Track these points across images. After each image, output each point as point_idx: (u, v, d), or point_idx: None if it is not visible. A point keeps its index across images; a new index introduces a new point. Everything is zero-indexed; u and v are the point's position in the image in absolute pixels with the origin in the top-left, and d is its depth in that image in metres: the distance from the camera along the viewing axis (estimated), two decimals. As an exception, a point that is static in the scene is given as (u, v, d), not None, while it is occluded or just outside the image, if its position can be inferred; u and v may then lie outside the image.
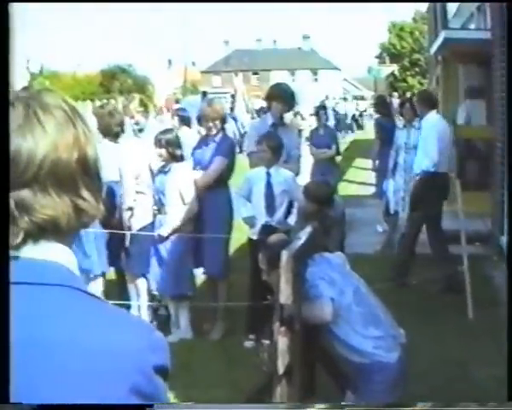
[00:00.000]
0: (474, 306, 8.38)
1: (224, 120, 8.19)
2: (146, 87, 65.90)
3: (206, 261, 7.90)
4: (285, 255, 4.59)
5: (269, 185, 7.50)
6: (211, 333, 7.94)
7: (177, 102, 24.66)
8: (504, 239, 10.46)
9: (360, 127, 46.03)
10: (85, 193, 1.46)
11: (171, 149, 7.57)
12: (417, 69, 78.25)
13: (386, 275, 9.09)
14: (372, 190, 14.27)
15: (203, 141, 8.10)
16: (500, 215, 10.78)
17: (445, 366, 6.91)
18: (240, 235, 8.46)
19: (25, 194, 1.38)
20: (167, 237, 7.62)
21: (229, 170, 7.94)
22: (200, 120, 8.62)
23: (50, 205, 1.40)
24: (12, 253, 1.39)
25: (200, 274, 8.43)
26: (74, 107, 1.49)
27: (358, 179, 13.78)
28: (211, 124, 7.89)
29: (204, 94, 26.95)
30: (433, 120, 9.97)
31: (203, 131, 8.53)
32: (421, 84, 67.91)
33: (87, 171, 1.47)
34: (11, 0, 1.51)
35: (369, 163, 13.21)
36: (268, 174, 7.51)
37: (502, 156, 10.78)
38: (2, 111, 1.40)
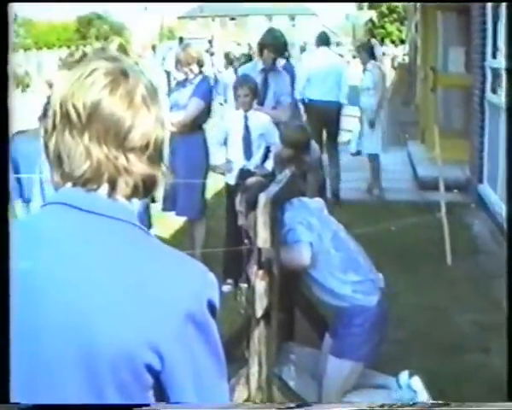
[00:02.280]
0: (452, 253, 8.38)
1: (201, 64, 8.06)
2: (123, 33, 65.37)
3: (181, 204, 7.82)
4: (263, 198, 4.52)
5: (246, 129, 7.44)
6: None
7: (154, 48, 24.40)
8: (484, 188, 10.46)
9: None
10: (165, 166, 1.73)
11: None
12: (395, 16, 77.84)
13: (366, 221, 9.05)
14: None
15: (181, 83, 8.00)
16: (478, 163, 10.76)
17: (424, 311, 6.91)
18: (216, 181, 8.38)
19: (136, 156, 1.64)
20: None
21: (205, 113, 7.84)
22: (176, 65, 8.48)
23: (151, 166, 1.67)
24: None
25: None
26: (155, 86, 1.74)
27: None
28: (186, 68, 7.81)
29: (181, 40, 26.70)
30: None
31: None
32: (399, 31, 67.61)
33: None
34: (11, 0, 1.56)
35: (349, 110, 13.11)
36: (245, 118, 7.45)
37: (480, 104, 10.74)
38: (2, 110, 1.64)
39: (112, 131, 1.60)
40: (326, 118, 11.16)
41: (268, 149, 7.57)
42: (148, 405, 1.56)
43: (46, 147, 1.65)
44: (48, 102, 1.74)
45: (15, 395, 1.51)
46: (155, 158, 1.67)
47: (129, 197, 1.66)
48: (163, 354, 1.52)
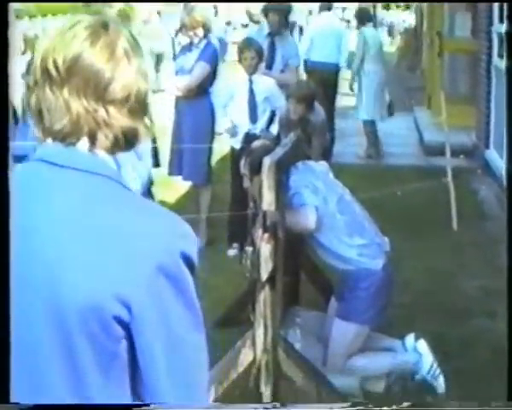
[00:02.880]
0: (458, 218, 8.36)
1: (206, 28, 8.00)
2: (128, -1, 64.87)
3: (187, 169, 7.79)
4: (267, 161, 4.48)
5: (251, 92, 7.40)
6: (194, 242, 7.88)
7: (159, 13, 24.26)
8: (491, 154, 10.42)
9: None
10: (149, 114, 1.73)
11: None
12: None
13: (372, 185, 9.01)
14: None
15: (187, 47, 7.94)
16: (485, 128, 10.70)
17: (430, 275, 6.90)
18: (222, 145, 8.35)
19: (117, 108, 1.63)
20: None
21: (211, 77, 7.79)
22: (181, 29, 8.44)
23: (133, 119, 1.66)
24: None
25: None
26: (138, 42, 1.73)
27: (342, 90, 13.61)
28: (191, 33, 7.75)
29: (186, 4, 26.46)
30: None
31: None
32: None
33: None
34: (11, 0, 1.58)
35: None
36: (250, 81, 7.41)
37: (486, 69, 10.66)
38: (2, 109, 1.58)
39: (91, 84, 1.60)
40: (324, 80, 11.12)
41: (273, 113, 7.53)
42: (148, 405, 1.56)
43: (28, 103, 1.66)
44: (31, 59, 1.72)
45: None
46: (137, 111, 1.66)
47: (109, 151, 1.65)
48: (131, 305, 1.51)
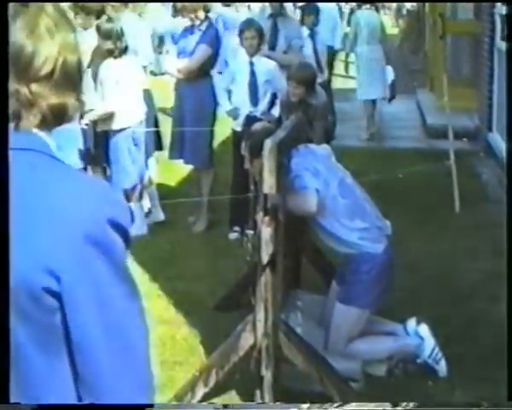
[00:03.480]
0: (460, 201, 8.33)
1: (207, 10, 7.96)
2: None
3: (189, 152, 7.76)
4: (269, 144, 4.45)
5: (252, 74, 7.37)
6: (195, 225, 7.87)
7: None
8: (493, 136, 10.37)
9: (348, 23, 45.47)
10: (82, 88, 1.70)
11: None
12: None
13: (373, 168, 8.98)
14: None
15: (188, 29, 7.88)
16: (487, 111, 10.65)
17: (431, 258, 6.88)
18: (223, 128, 8.31)
19: (41, 85, 1.58)
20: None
21: (212, 60, 7.75)
22: (182, 11, 8.38)
23: (61, 94, 1.61)
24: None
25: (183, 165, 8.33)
26: (71, 16, 1.65)
27: (343, 73, 13.60)
28: (192, 15, 7.71)
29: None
30: None
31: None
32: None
33: (80, 73, 1.69)
34: (11, 0, 1.57)
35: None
36: (251, 64, 7.37)
37: (489, 52, 10.61)
38: (2, 109, 1.54)
39: (13, 64, 1.55)
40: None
41: (275, 96, 7.49)
42: (151, 405, 1.53)
43: None
44: None
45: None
46: (64, 85, 1.61)
47: (39, 128, 1.61)
48: (61, 276, 1.49)
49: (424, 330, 5.15)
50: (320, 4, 11.39)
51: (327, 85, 10.59)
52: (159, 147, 8.40)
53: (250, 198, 5.72)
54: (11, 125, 1.57)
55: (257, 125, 5.51)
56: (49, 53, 1.59)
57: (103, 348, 1.53)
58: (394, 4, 42.40)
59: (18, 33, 1.57)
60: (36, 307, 1.50)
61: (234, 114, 7.46)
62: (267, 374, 4.45)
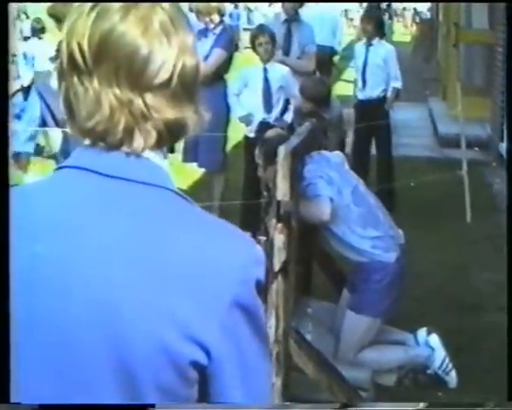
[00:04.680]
0: (472, 211, 8.31)
1: (221, 14, 7.96)
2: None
3: (202, 156, 7.76)
4: (283, 151, 4.44)
5: (266, 81, 7.36)
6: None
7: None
8: (504, 146, 10.34)
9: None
10: (200, 99, 1.43)
11: None
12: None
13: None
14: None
15: (202, 33, 7.89)
16: (500, 121, 10.63)
17: (443, 268, 6.86)
18: (236, 133, 8.31)
19: (157, 96, 1.35)
20: None
21: (226, 64, 7.76)
22: (197, 15, 8.39)
23: (179, 107, 1.37)
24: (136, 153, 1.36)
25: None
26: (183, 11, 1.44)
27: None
28: (207, 18, 7.71)
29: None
30: None
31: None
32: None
33: (197, 81, 1.43)
34: (11, 0, 1.45)
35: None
36: (265, 70, 7.38)
37: (503, 61, 10.59)
38: (2, 108, 1.41)
39: (123, 68, 1.33)
40: (319, 62, 11.08)
41: (287, 102, 7.49)
42: (153, 405, 1.36)
43: (60, 95, 1.40)
44: (60, 43, 1.43)
45: (18, 396, 1.32)
46: (182, 96, 1.37)
47: (153, 149, 1.37)
48: (210, 348, 1.30)
49: (435, 340, 5.13)
50: (321, 9, 11.55)
51: None
52: (170, 149, 8.41)
53: (261, 204, 5.72)
54: (133, 148, 1.36)
55: (271, 132, 5.52)
56: (167, 58, 1.35)
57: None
58: (407, 12, 42.34)
59: (130, 31, 1.34)
60: (178, 380, 1.31)
61: (246, 119, 7.45)
62: (277, 381, 4.42)
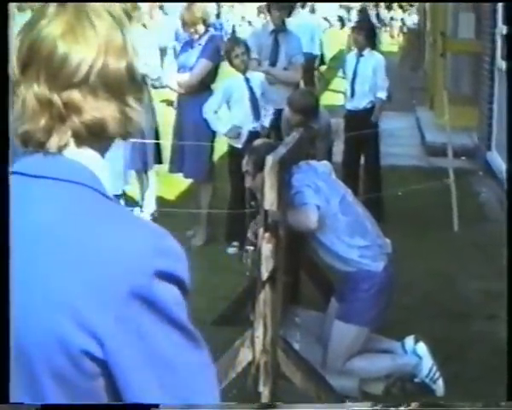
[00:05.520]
0: (459, 220, 8.34)
1: (207, 24, 7.96)
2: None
3: (188, 166, 7.77)
4: (270, 160, 4.46)
5: (251, 90, 7.38)
6: (193, 239, 7.87)
7: (162, 8, 24.19)
8: (491, 155, 10.40)
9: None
10: (132, 101, 1.44)
11: None
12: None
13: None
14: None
15: (188, 43, 7.92)
16: (487, 130, 10.68)
17: (430, 277, 6.89)
18: (222, 143, 8.32)
19: (75, 95, 1.37)
20: None
21: (213, 74, 7.77)
22: (183, 26, 8.39)
23: (99, 107, 1.39)
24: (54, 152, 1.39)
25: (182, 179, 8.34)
26: (122, 15, 1.47)
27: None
28: (192, 29, 7.72)
29: None
30: None
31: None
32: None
33: (134, 80, 1.45)
34: (11, 0, 1.46)
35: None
36: (247, 80, 7.39)
37: (489, 71, 10.65)
38: (2, 109, 1.41)
39: (43, 69, 1.36)
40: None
41: (270, 109, 7.51)
42: (156, 406, 1.36)
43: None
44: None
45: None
46: (103, 96, 1.40)
47: (74, 147, 1.41)
48: (104, 339, 1.29)
49: (422, 348, 5.15)
50: (300, 19, 11.94)
51: None
52: (159, 160, 8.42)
53: (249, 213, 5.73)
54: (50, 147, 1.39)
55: (258, 142, 5.54)
56: (86, 53, 1.38)
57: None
58: (395, 21, 42.49)
59: (51, 31, 1.38)
60: (74, 370, 1.31)
61: (233, 133, 7.43)
62: (264, 391, 4.44)
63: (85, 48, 1.37)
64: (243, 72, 7.42)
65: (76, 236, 1.33)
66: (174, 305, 1.35)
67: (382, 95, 8.73)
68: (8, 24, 1.45)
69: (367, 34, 8.73)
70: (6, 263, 1.34)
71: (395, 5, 45.23)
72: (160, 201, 8.64)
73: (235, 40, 7.68)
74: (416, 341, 5.20)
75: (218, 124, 7.47)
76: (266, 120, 7.47)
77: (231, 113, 7.50)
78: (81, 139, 1.40)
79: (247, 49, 7.46)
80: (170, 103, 8.70)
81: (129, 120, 1.44)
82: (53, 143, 1.38)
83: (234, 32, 26.61)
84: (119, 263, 1.31)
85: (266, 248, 4.37)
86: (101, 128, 1.40)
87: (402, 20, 41.01)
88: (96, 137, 1.41)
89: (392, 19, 45.65)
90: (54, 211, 1.35)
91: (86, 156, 1.42)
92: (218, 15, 30.10)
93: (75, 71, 1.36)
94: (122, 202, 7.37)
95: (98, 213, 1.37)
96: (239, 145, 7.32)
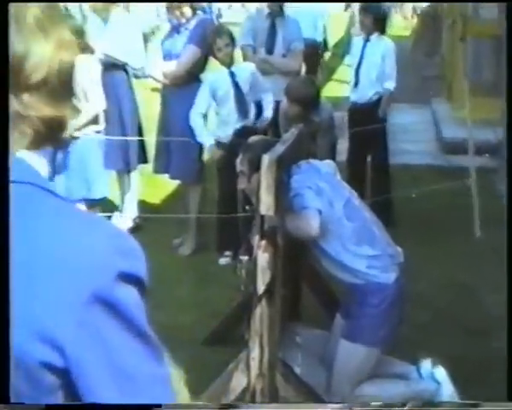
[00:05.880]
0: (481, 224, 8.34)
1: (194, 7, 7.95)
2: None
3: (175, 166, 7.76)
4: (266, 159, 4.46)
5: (236, 86, 7.36)
6: (181, 248, 7.86)
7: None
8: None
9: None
10: (73, 102, 1.55)
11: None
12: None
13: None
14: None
15: (174, 29, 7.89)
16: (512, 123, 10.68)
17: (448, 289, 6.89)
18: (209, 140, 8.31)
19: (32, 96, 1.43)
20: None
21: (202, 62, 7.75)
22: (168, 9, 8.37)
23: (57, 107, 1.46)
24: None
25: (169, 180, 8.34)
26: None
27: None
28: (177, 12, 7.72)
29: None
30: None
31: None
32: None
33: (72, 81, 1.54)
34: (11, 0, 1.50)
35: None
36: (232, 74, 7.37)
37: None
38: (2, 110, 1.42)
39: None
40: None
41: (260, 103, 7.52)
42: (159, 406, 1.44)
43: None
44: None
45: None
46: (61, 94, 1.47)
47: (32, 149, 1.46)
48: (63, 345, 1.33)
49: (441, 373, 5.13)
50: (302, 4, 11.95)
51: None
52: (143, 159, 8.41)
53: (241, 219, 5.73)
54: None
55: (253, 139, 5.52)
56: (43, 55, 1.44)
57: None
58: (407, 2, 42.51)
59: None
60: (30, 387, 1.35)
61: (215, 149, 7.46)
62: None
63: (44, 45, 1.44)
64: (228, 65, 7.41)
65: (30, 238, 1.36)
66: (135, 308, 1.40)
67: (390, 85, 8.71)
68: (8, 24, 1.49)
69: (375, 17, 8.71)
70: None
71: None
72: (143, 205, 8.66)
73: (217, 31, 7.55)
74: (434, 364, 5.17)
75: (201, 132, 7.49)
76: (267, 111, 7.47)
77: (220, 116, 7.50)
78: (42, 139, 1.46)
79: (232, 40, 7.43)
80: (155, 95, 8.65)
81: (78, 113, 1.52)
82: (11, 144, 1.42)
83: (218, 18, 26.59)
84: (80, 266, 1.35)
85: (263, 257, 4.37)
86: (60, 126, 1.48)
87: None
88: (55, 134, 1.48)
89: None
90: (13, 214, 1.37)
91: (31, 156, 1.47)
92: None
93: (34, 70, 1.43)
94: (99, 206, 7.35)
95: (53, 214, 1.41)
96: (226, 141, 7.33)
